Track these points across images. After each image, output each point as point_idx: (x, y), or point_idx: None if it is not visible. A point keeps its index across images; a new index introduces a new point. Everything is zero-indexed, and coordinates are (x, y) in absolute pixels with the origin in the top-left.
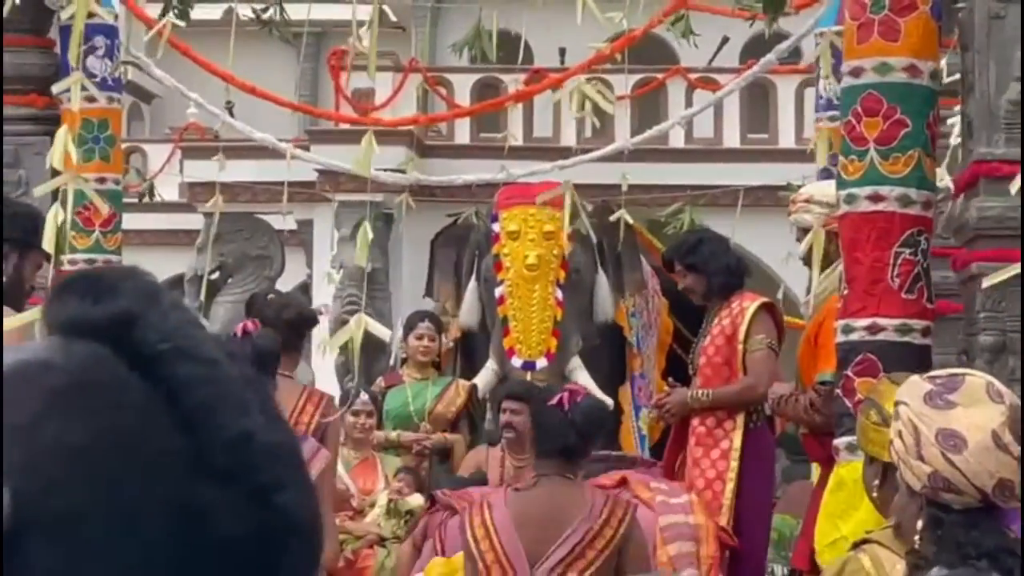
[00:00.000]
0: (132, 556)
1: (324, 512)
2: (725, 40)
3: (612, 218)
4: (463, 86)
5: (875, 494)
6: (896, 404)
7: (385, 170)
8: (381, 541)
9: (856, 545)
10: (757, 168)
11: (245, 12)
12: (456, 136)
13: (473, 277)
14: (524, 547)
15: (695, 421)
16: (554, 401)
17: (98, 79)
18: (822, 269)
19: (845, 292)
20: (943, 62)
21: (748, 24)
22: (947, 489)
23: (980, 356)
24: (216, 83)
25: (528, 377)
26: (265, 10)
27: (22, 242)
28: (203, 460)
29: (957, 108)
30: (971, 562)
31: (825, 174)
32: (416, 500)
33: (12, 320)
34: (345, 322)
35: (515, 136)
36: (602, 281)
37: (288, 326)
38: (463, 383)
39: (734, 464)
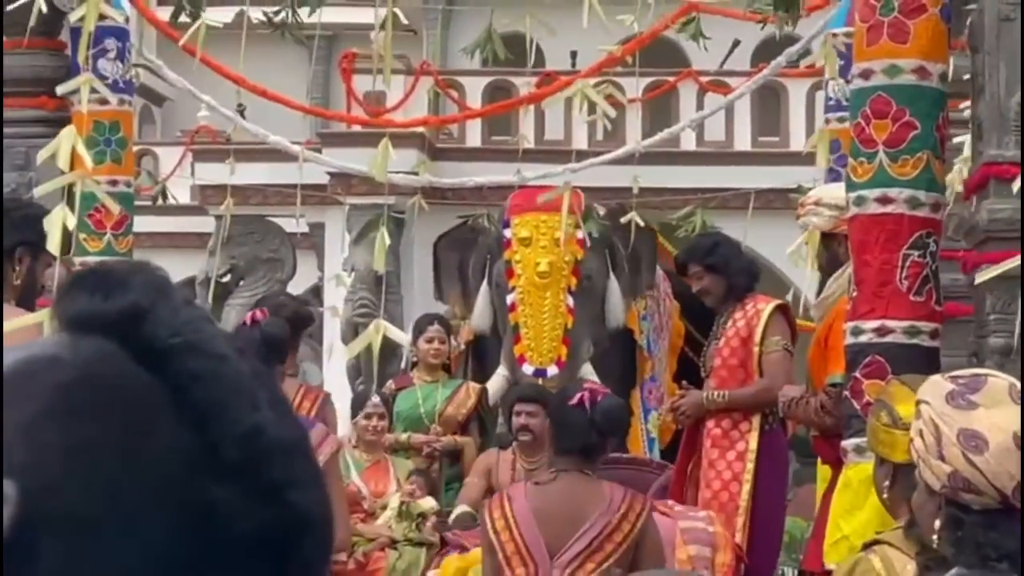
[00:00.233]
0: (139, 554)
1: (334, 498)
2: (736, 43)
3: (624, 220)
4: (475, 89)
5: (885, 495)
6: (917, 403)
7: (397, 173)
8: (393, 543)
9: (867, 546)
10: (768, 171)
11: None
12: (467, 139)
13: (485, 281)
14: (544, 539)
15: (710, 423)
16: (574, 400)
17: (109, 81)
18: (831, 272)
19: (854, 294)
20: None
21: (759, 27)
22: (967, 489)
23: (990, 358)
24: (228, 85)
25: (540, 383)
26: (277, 13)
27: (36, 244)
28: (213, 456)
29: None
30: (991, 563)
31: (833, 176)
32: (428, 503)
33: (25, 319)
34: (357, 325)
35: (527, 139)
36: (614, 287)
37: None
38: (473, 385)
39: (750, 466)
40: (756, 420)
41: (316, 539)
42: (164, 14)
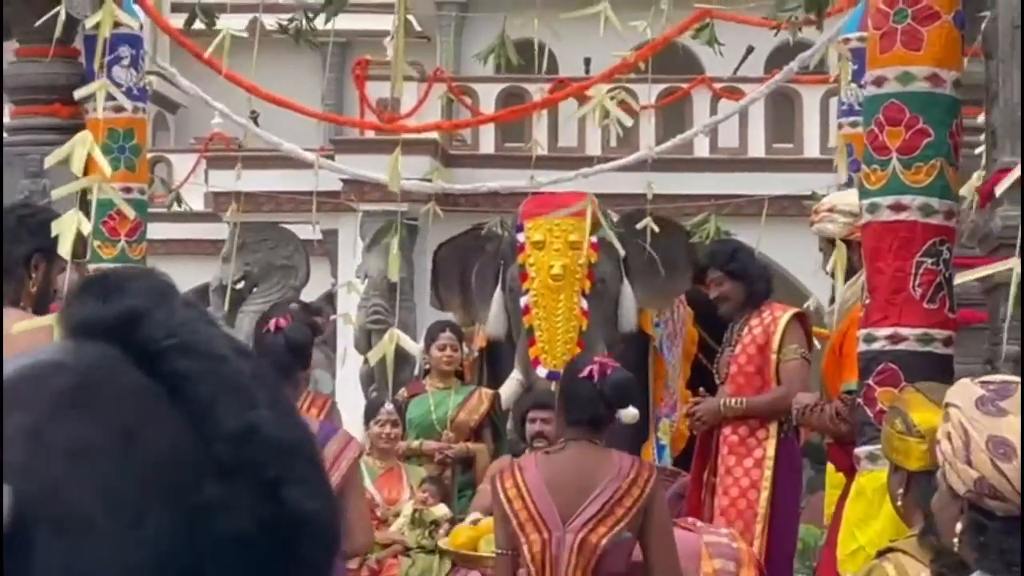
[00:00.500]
0: (136, 553)
1: (356, 501)
2: (750, 50)
3: (639, 226)
4: (488, 96)
5: (899, 503)
6: (946, 405)
7: (410, 180)
8: (406, 551)
9: (881, 553)
10: (782, 177)
11: (271, 22)
12: (481, 146)
13: (499, 287)
14: (556, 506)
15: (727, 430)
16: (584, 373)
17: (123, 89)
18: (846, 279)
19: (867, 301)
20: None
21: (773, 33)
22: (992, 496)
23: (1005, 365)
24: (242, 92)
25: (553, 387)
26: (291, 20)
27: (50, 250)
28: (209, 456)
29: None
30: (1015, 570)
31: (847, 181)
32: (441, 510)
33: (35, 322)
34: (370, 332)
35: (540, 145)
36: (627, 291)
37: None
38: (486, 391)
39: (768, 473)
40: (773, 427)
41: (317, 539)
42: (177, 21)
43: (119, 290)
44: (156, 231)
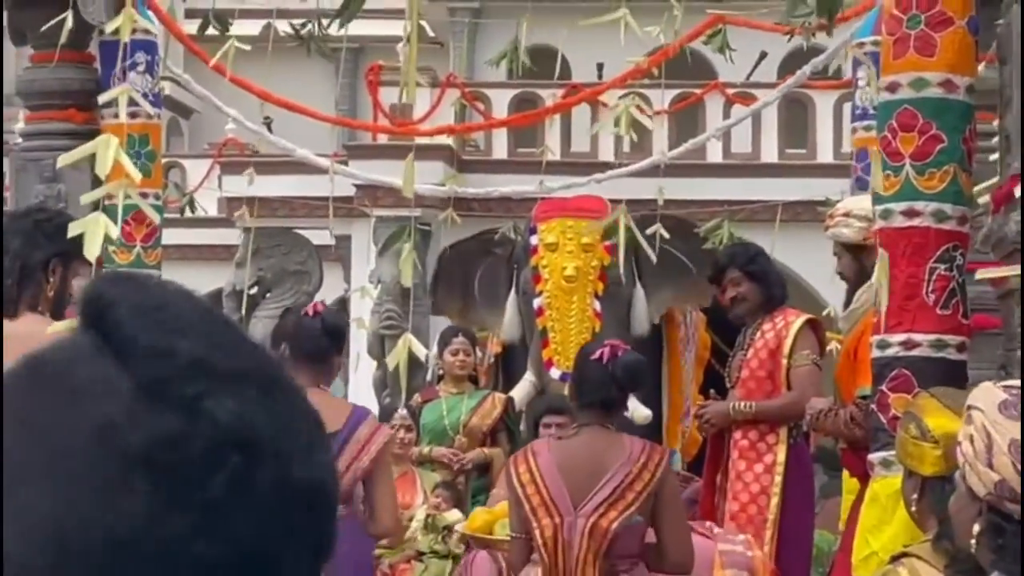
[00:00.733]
0: (54, 488)
1: (384, 484)
2: (763, 55)
3: (649, 231)
4: (501, 101)
5: (913, 508)
6: (968, 408)
7: (424, 185)
8: (419, 556)
9: (895, 558)
10: (795, 183)
11: (284, 28)
12: (494, 151)
13: (512, 291)
14: (568, 491)
15: (737, 434)
16: (596, 356)
17: (139, 94)
18: (859, 284)
19: (880, 307)
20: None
21: (786, 39)
22: (1012, 499)
23: (1019, 371)
24: (254, 97)
25: (566, 389)
26: (304, 26)
27: (68, 254)
28: (132, 381)
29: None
30: None
31: (861, 185)
32: (454, 515)
33: (57, 326)
34: (383, 337)
35: (552, 151)
36: (639, 294)
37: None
38: (499, 396)
39: (778, 479)
40: (783, 432)
41: (253, 458)
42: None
43: (96, 285)
44: (170, 236)
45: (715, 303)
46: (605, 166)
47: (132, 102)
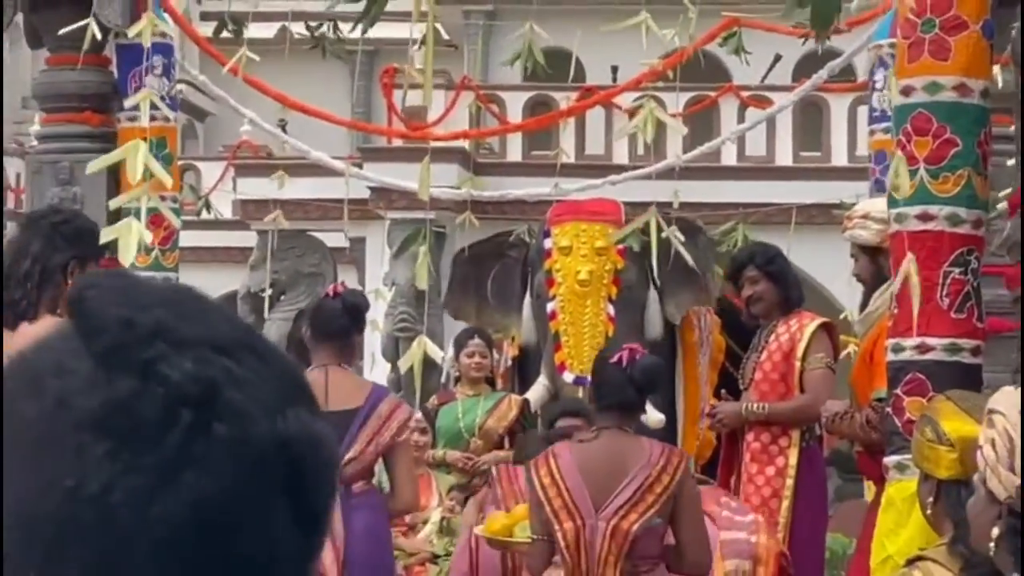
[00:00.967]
0: (15, 451)
1: (403, 461)
2: (778, 58)
3: (663, 234)
4: (515, 104)
5: (929, 511)
6: (990, 411)
7: (439, 187)
8: (433, 558)
9: (910, 562)
10: (810, 186)
11: (299, 30)
12: (508, 154)
13: (528, 294)
14: (589, 493)
15: (749, 436)
16: (614, 359)
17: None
18: (875, 287)
19: (895, 311)
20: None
21: (801, 42)
22: None
23: None
24: (270, 100)
25: (580, 393)
26: (319, 28)
27: (85, 257)
28: (93, 353)
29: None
30: None
31: (878, 187)
32: None
33: None
34: (397, 339)
35: (566, 153)
36: (653, 298)
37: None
38: (515, 398)
39: (790, 482)
40: (795, 436)
41: (208, 416)
42: (206, 29)
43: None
44: (185, 239)
45: (729, 305)
46: (620, 169)
47: (152, 106)
